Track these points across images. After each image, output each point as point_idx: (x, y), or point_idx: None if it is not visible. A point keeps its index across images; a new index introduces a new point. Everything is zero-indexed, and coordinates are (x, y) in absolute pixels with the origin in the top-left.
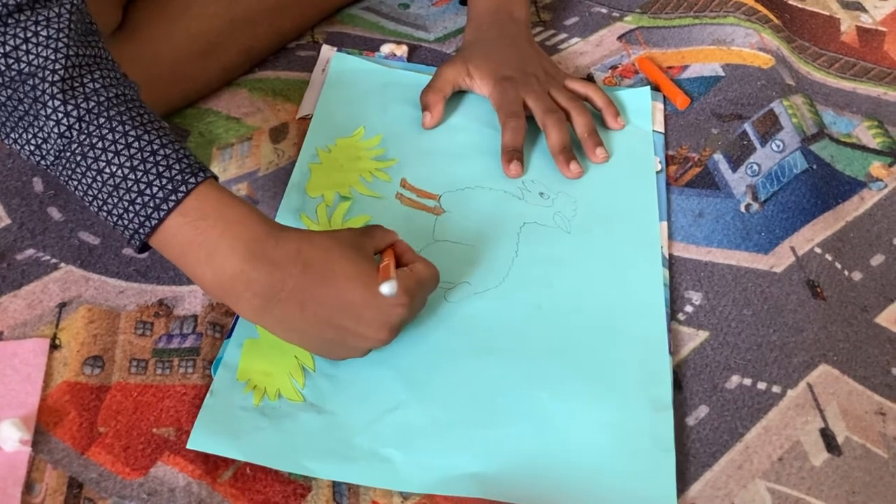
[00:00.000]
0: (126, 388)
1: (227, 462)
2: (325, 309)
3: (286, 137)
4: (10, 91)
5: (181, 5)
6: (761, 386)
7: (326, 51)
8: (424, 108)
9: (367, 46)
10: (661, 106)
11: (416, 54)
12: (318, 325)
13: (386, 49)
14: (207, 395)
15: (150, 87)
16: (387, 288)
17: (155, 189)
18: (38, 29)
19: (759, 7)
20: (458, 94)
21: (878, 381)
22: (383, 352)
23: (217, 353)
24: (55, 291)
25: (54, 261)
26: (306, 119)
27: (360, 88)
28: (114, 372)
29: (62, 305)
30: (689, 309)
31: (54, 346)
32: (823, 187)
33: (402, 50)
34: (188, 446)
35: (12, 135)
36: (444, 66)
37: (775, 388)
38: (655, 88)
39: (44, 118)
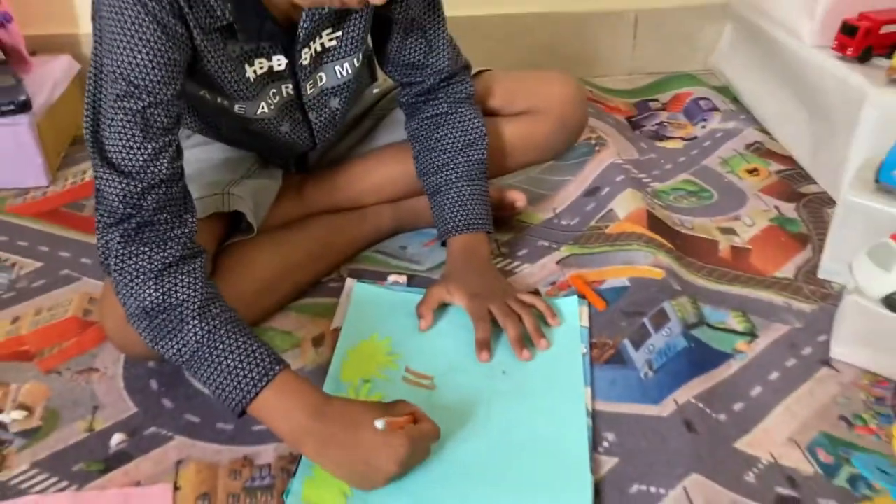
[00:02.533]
0: None
1: None
2: (357, 450)
3: (324, 343)
4: (164, 315)
5: (250, 257)
6: (652, 490)
7: (349, 282)
8: (420, 317)
9: (378, 277)
10: (586, 309)
11: (413, 281)
12: (352, 462)
13: (391, 279)
14: None
15: None
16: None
17: (254, 375)
18: (183, 277)
19: (656, 236)
20: (443, 307)
21: (733, 485)
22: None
23: (286, 486)
24: (173, 454)
25: (170, 434)
26: (337, 329)
27: (374, 307)
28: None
29: (179, 462)
30: (605, 444)
31: (176, 489)
32: (699, 360)
33: (402, 279)
34: None
35: (160, 343)
36: (433, 287)
37: (661, 491)
38: (582, 296)
39: (185, 332)
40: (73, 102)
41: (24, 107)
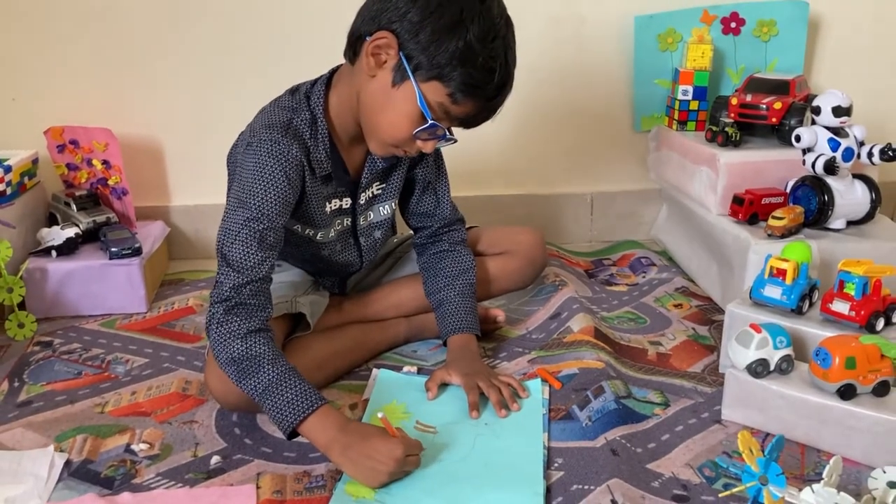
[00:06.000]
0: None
1: None
2: (365, 451)
3: (357, 407)
4: (247, 363)
5: (307, 344)
6: (585, 487)
7: (375, 371)
8: (427, 390)
9: (396, 368)
10: (547, 388)
11: (421, 371)
12: (363, 459)
13: (406, 368)
14: (332, 498)
15: None
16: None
17: (304, 405)
18: (260, 339)
19: (599, 342)
20: (443, 386)
21: (643, 487)
22: (412, 481)
23: (335, 485)
24: (254, 469)
25: (251, 458)
26: (367, 399)
27: (394, 385)
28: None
29: (259, 474)
30: (555, 464)
31: (257, 487)
32: (625, 416)
33: (414, 369)
34: None
35: (243, 381)
36: (436, 371)
37: (591, 487)
38: (544, 381)
39: (260, 374)
40: (163, 256)
41: (138, 252)
